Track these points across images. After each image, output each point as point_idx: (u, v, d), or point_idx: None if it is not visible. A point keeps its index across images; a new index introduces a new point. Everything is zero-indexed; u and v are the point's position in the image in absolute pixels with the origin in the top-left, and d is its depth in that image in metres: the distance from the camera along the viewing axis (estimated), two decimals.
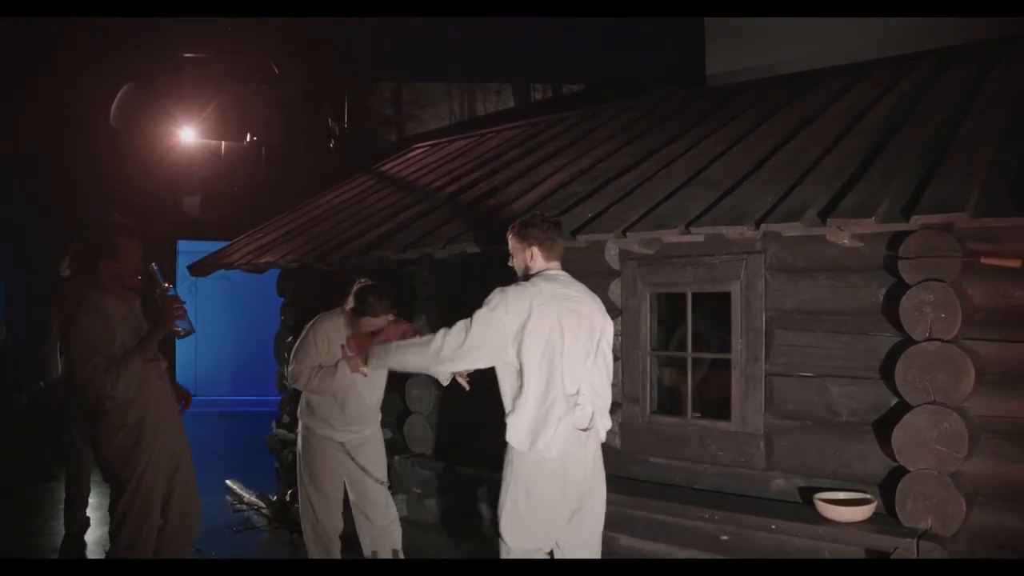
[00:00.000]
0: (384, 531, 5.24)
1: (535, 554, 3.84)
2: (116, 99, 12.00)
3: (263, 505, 7.58)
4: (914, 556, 3.84)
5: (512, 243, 3.99)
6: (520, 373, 3.72)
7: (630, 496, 4.86)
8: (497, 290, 3.78)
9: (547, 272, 3.87)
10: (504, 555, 3.85)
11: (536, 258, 3.89)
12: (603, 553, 5.14)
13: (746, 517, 4.43)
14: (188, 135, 12.26)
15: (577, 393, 3.73)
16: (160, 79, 12.68)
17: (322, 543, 5.18)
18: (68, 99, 12.48)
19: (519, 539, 3.80)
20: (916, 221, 3.78)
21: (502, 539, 3.84)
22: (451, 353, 3.72)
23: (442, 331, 3.76)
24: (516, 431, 3.73)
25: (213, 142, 12.74)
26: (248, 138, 12.74)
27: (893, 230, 4.02)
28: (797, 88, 6.33)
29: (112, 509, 4.15)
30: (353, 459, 5.14)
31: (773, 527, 4.33)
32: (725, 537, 4.70)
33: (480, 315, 3.70)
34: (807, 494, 4.42)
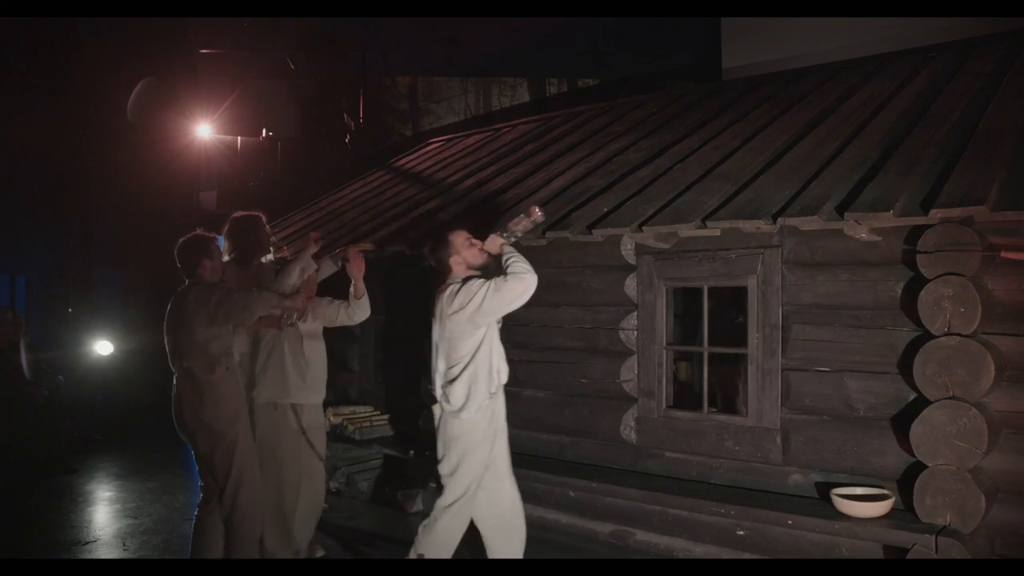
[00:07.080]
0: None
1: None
2: (133, 94, 12.05)
3: None
4: (933, 552, 3.81)
5: None
6: None
7: (646, 491, 4.86)
8: None
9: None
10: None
11: None
12: (618, 549, 5.12)
13: (763, 512, 4.42)
14: (204, 130, 12.30)
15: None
16: (177, 75, 12.73)
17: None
18: (85, 94, 12.56)
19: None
20: (935, 215, 3.75)
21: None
22: None
23: None
24: None
25: (229, 137, 12.79)
26: (264, 134, 12.78)
27: (912, 224, 3.99)
28: (814, 82, 6.29)
29: None
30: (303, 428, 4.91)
31: (790, 522, 4.31)
32: (742, 532, 4.69)
33: None
34: (824, 489, 4.41)
